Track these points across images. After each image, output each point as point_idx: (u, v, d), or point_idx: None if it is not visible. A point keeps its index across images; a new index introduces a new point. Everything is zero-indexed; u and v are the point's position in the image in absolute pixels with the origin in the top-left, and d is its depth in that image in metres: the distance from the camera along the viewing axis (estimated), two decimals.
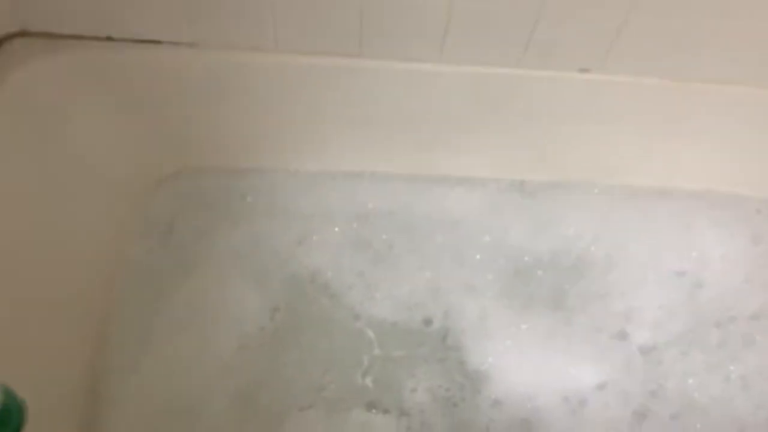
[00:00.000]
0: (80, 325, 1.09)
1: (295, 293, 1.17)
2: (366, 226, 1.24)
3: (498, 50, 1.05)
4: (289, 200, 1.26)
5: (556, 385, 1.11)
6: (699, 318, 1.18)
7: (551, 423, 1.08)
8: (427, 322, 1.16)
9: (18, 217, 0.99)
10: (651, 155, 1.25)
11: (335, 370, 1.10)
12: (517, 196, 1.30)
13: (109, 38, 1.05)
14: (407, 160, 1.28)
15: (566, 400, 1.10)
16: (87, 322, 1.11)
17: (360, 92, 1.14)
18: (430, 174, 1.30)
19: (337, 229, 1.24)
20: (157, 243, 1.19)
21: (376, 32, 1.02)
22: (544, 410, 1.09)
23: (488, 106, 1.16)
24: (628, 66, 1.08)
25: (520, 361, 1.12)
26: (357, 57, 1.07)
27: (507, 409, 1.08)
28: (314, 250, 1.21)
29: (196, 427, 1.04)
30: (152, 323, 1.12)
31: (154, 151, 1.23)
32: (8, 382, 0.93)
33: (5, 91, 1.00)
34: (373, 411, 1.07)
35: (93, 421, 1.03)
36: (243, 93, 1.14)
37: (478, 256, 1.22)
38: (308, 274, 1.19)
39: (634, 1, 0.97)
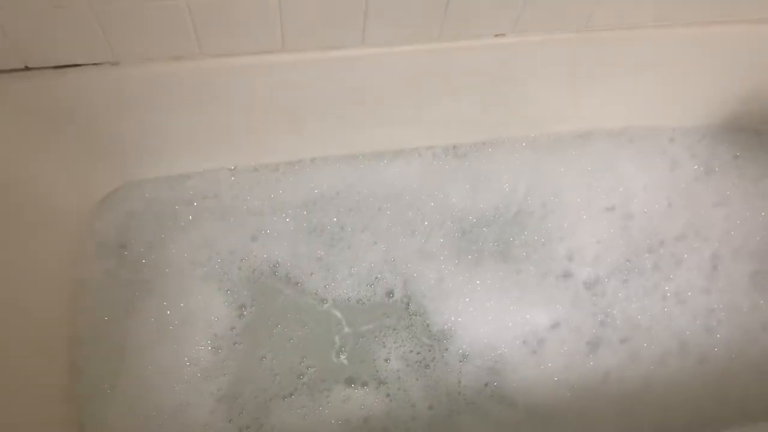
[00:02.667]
0: (50, 356, 1.10)
1: (259, 288, 1.21)
2: (315, 212, 1.28)
3: (417, 28, 1.09)
4: (236, 198, 1.28)
5: (515, 331, 1.19)
6: (633, 246, 1.29)
7: (516, 366, 1.17)
8: (389, 293, 1.22)
9: None
10: (569, 104, 1.33)
11: (310, 354, 1.16)
12: (452, 160, 1.36)
13: (26, 68, 1.04)
14: (343, 141, 1.32)
15: (526, 343, 1.19)
16: (57, 353, 1.11)
17: (286, 85, 1.16)
18: (368, 151, 1.34)
19: (287, 219, 1.27)
20: (113, 262, 1.19)
21: (297, 26, 1.04)
22: (508, 356, 1.17)
23: (413, 81, 1.20)
24: (538, 25, 1.14)
25: (480, 315, 1.20)
26: (279, 52, 1.09)
27: (474, 361, 1.17)
28: (270, 243, 1.24)
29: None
30: (124, 342, 1.13)
31: (91, 172, 1.22)
32: None
33: None
34: (353, 385, 1.13)
35: None
36: (171, 101, 1.14)
37: (426, 223, 1.28)
38: (268, 268, 1.22)
39: None
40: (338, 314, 1.20)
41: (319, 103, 1.21)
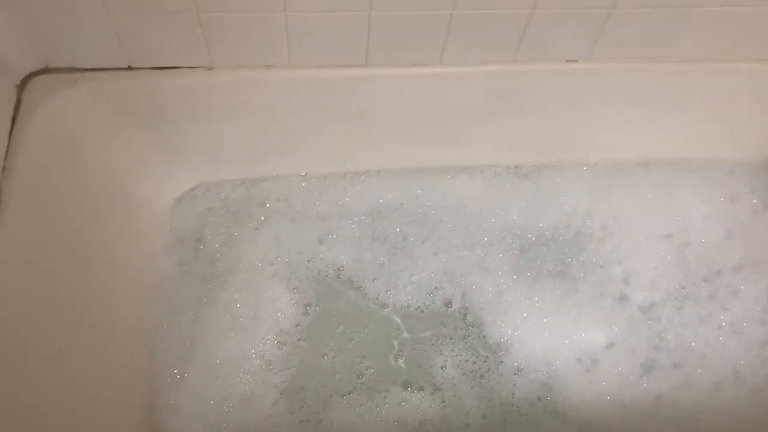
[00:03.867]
0: (128, 341, 1.17)
1: (324, 289, 1.26)
2: (380, 220, 1.34)
3: (493, 51, 1.14)
4: (306, 203, 1.34)
5: (570, 348, 1.22)
6: (689, 274, 1.31)
7: (569, 383, 1.20)
8: (448, 303, 1.26)
9: (53, 244, 1.06)
10: (632, 132, 1.36)
11: (370, 356, 1.20)
12: (514, 179, 1.40)
13: (129, 68, 1.12)
14: (411, 155, 1.37)
15: (580, 361, 1.21)
16: (134, 339, 1.18)
17: (365, 98, 1.22)
18: (433, 166, 1.39)
19: (353, 225, 1.33)
20: (189, 256, 1.26)
21: (382, 44, 1.11)
22: (562, 372, 1.20)
23: (483, 101, 1.25)
24: (610, 54, 1.19)
25: (536, 330, 1.23)
26: (364, 66, 1.16)
27: (529, 375, 1.19)
28: (335, 247, 1.30)
29: (251, 420, 1.12)
30: (195, 331, 1.19)
31: (174, 169, 1.30)
32: (73, 401, 1.01)
33: (33, 125, 1.06)
34: (409, 389, 1.17)
35: (154, 427, 1.11)
36: (256, 108, 1.21)
37: (486, 238, 1.32)
38: (333, 270, 1.28)
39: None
40: (398, 320, 1.24)
41: (393, 117, 1.27)
